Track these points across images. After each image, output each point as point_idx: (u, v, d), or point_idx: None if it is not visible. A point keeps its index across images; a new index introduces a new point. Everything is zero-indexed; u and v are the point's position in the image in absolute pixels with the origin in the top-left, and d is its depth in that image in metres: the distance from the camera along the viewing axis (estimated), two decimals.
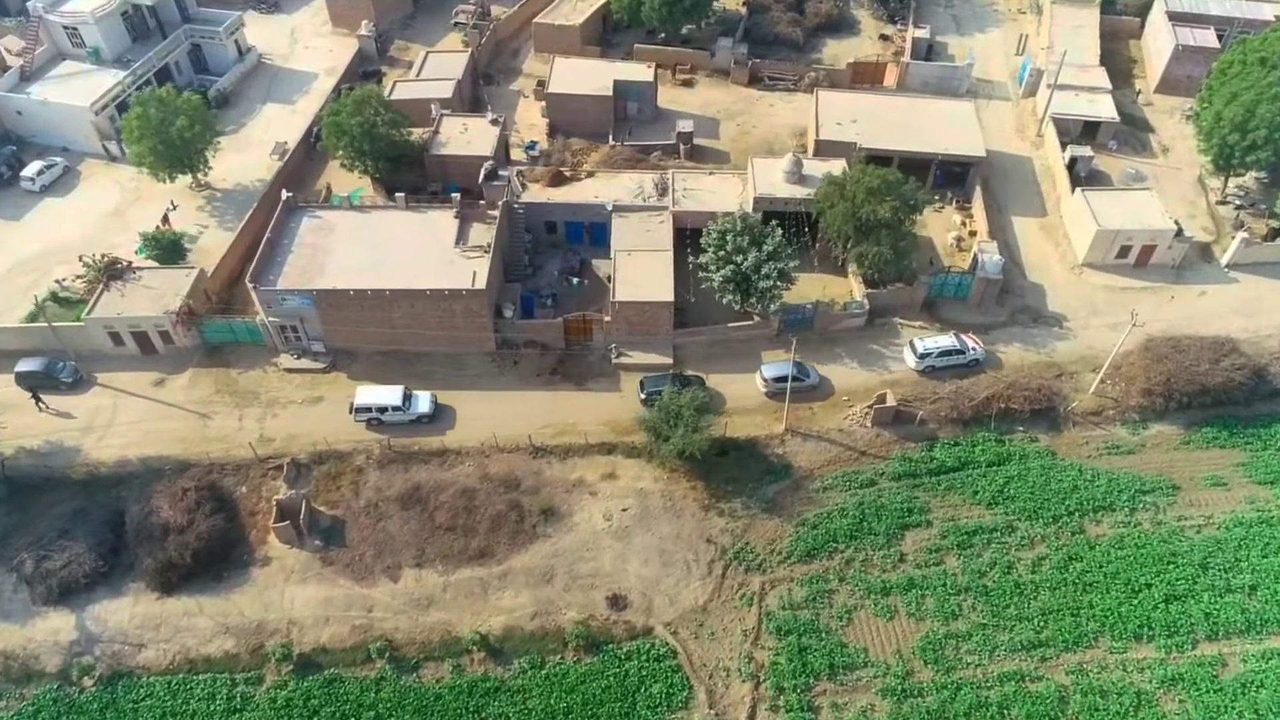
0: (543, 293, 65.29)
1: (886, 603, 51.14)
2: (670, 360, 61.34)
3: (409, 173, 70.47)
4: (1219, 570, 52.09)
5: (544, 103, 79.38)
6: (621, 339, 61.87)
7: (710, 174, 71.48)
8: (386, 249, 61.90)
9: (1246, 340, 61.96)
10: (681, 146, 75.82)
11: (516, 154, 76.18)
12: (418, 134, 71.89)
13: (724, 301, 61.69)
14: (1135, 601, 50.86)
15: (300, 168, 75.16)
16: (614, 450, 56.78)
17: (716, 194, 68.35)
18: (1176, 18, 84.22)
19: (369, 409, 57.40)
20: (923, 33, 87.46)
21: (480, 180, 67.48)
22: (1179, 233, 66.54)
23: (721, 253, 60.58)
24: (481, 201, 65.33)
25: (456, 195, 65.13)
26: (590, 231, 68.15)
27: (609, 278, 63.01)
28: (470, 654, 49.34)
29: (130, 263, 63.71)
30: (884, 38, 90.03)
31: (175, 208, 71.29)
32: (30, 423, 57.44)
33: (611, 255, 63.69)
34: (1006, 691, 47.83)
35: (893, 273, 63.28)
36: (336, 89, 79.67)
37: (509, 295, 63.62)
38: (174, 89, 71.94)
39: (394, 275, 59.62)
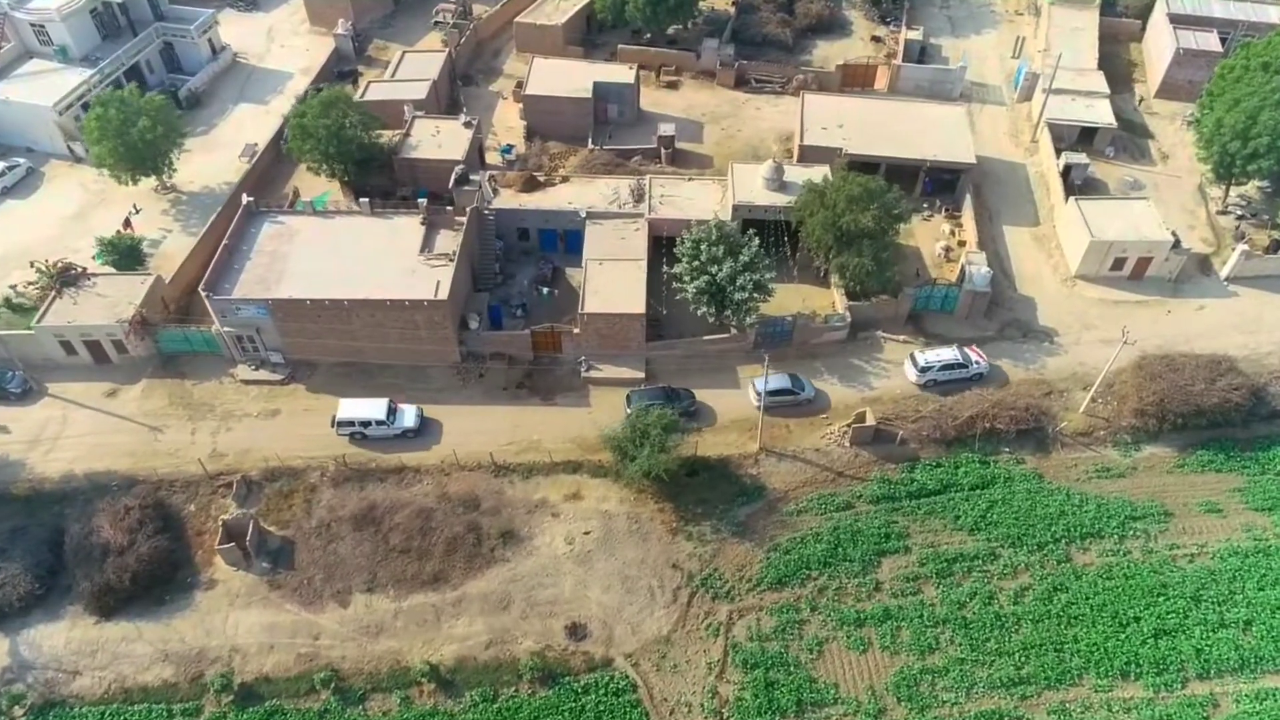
0: (513, 302, 63.04)
1: (860, 634, 48.75)
2: (643, 375, 59.02)
3: (378, 176, 68.24)
4: (1212, 603, 49.63)
5: (521, 105, 77.09)
6: (592, 352, 59.49)
7: (690, 180, 69.02)
8: (349, 256, 59.69)
9: (1245, 358, 59.37)
10: (663, 151, 73.32)
11: (492, 157, 73.88)
12: (388, 136, 69.60)
13: (699, 313, 59.27)
14: (1123, 636, 48.45)
15: (269, 170, 72.87)
16: (580, 469, 54.45)
17: (695, 201, 65.97)
18: (1178, 20, 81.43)
19: (352, 423, 55.16)
20: (916, 34, 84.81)
21: (451, 185, 65.10)
22: (1176, 244, 64.04)
23: (696, 263, 58.23)
24: (450, 207, 63.04)
25: (423, 201, 62.85)
26: (565, 239, 65.85)
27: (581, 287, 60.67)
28: (420, 685, 47.06)
29: (84, 269, 61.54)
30: (876, 39, 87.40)
31: (138, 211, 69.06)
32: None
33: (583, 264, 61.39)
34: None
35: (876, 284, 60.75)
36: (308, 90, 77.39)
37: (475, 305, 61.26)
38: (138, 89, 69.78)
39: (355, 284, 57.39)
